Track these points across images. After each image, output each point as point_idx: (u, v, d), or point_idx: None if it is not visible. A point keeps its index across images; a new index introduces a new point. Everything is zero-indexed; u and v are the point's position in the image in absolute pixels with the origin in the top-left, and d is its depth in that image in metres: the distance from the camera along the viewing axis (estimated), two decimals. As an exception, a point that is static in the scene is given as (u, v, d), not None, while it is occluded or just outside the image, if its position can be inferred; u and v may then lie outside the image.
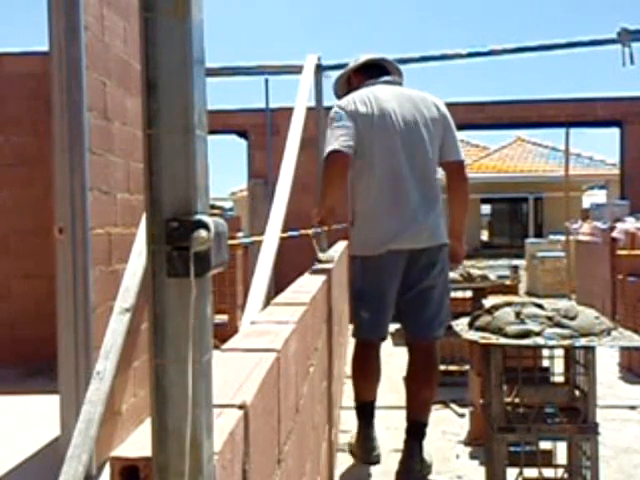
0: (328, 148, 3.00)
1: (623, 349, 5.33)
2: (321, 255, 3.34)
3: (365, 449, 3.36)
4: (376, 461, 3.35)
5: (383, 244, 3.09)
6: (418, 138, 3.10)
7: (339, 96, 3.40)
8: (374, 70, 3.32)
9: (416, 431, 3.18)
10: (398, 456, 3.24)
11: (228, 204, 21.26)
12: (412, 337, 3.27)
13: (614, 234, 6.95)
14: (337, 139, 2.99)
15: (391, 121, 3.08)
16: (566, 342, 2.51)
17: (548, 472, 2.74)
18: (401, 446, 3.25)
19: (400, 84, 3.34)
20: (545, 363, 3.27)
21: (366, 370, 3.31)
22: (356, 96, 3.15)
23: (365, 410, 3.37)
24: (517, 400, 2.67)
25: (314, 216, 3.16)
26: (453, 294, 5.39)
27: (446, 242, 3.18)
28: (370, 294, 3.18)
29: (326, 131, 3.12)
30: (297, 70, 4.66)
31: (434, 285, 3.15)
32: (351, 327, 3.43)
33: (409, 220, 3.07)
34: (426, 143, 3.11)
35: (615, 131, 10.35)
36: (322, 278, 2.80)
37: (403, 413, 3.33)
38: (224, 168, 20.05)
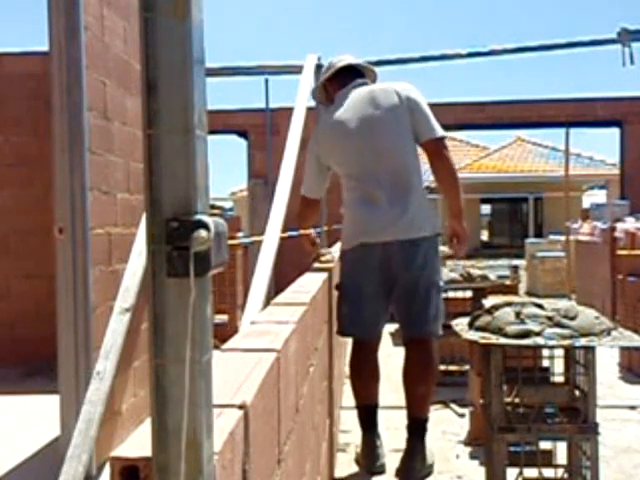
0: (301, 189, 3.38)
1: (623, 349, 5.33)
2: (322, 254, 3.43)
3: (369, 459, 3.27)
4: (380, 471, 3.24)
5: (355, 238, 3.14)
6: (378, 134, 3.11)
7: (320, 102, 3.55)
8: (348, 74, 3.33)
9: (416, 428, 3.17)
10: (398, 456, 3.24)
11: (228, 204, 21.26)
12: (404, 334, 3.28)
13: (614, 234, 6.95)
14: (304, 183, 3.36)
15: (348, 129, 3.15)
16: (566, 342, 2.51)
17: (548, 472, 2.74)
18: (401, 446, 3.25)
19: (366, 84, 3.33)
20: (545, 363, 3.27)
21: (362, 371, 3.27)
22: (320, 125, 3.40)
23: (366, 414, 3.29)
24: (517, 400, 2.67)
25: (304, 242, 3.53)
26: (453, 294, 5.40)
27: (427, 235, 3.10)
28: (347, 287, 3.20)
29: None
30: (297, 70, 4.66)
31: (416, 280, 3.10)
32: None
33: (379, 214, 3.08)
34: (388, 135, 3.11)
35: (615, 131, 10.36)
36: (322, 277, 2.80)
37: (403, 413, 3.33)
38: (224, 168, 20.06)
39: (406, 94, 3.14)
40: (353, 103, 3.20)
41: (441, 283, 3.24)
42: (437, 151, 3.12)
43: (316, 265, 3.25)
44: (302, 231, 3.48)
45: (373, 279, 3.11)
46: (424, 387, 3.17)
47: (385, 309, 3.22)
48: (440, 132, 3.12)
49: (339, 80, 3.34)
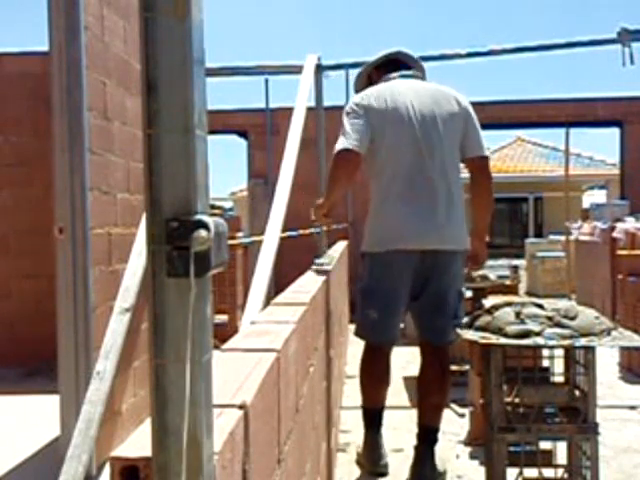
0: (338, 145, 2.92)
1: (623, 349, 5.33)
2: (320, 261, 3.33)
3: (372, 459, 3.22)
4: (384, 472, 3.20)
5: (393, 241, 2.94)
6: (436, 133, 2.95)
7: (366, 84, 3.30)
8: (394, 65, 3.20)
9: (427, 436, 3.10)
10: (398, 456, 3.24)
11: (228, 204, 21.25)
12: (426, 341, 3.14)
13: (614, 234, 6.95)
14: (348, 137, 2.91)
15: (407, 115, 2.94)
16: (566, 342, 2.51)
17: (548, 472, 2.74)
18: (401, 446, 3.25)
19: (421, 78, 3.20)
20: (545, 363, 3.27)
21: (375, 375, 3.17)
22: (372, 91, 3.06)
23: (373, 417, 3.21)
24: (517, 400, 2.67)
25: (318, 208, 3.05)
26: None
27: (463, 249, 3.03)
28: (377, 293, 3.03)
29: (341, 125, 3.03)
30: (297, 70, 4.66)
31: (447, 290, 3.01)
32: (352, 327, 3.38)
33: (424, 218, 2.91)
34: (445, 139, 2.96)
35: (615, 131, 10.36)
36: (322, 278, 2.80)
37: (403, 413, 3.33)
38: (224, 168, 20.06)
39: (465, 105, 3.05)
40: (413, 91, 3.02)
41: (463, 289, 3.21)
42: (483, 168, 3.06)
43: (313, 267, 3.23)
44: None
45: (404, 286, 3.00)
46: (439, 396, 3.10)
47: (404, 313, 3.17)
48: (487, 152, 3.09)
49: (386, 69, 3.19)
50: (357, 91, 3.30)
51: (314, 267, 3.23)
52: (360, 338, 3.19)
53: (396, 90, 3.02)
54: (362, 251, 3.10)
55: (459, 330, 2.74)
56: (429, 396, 3.07)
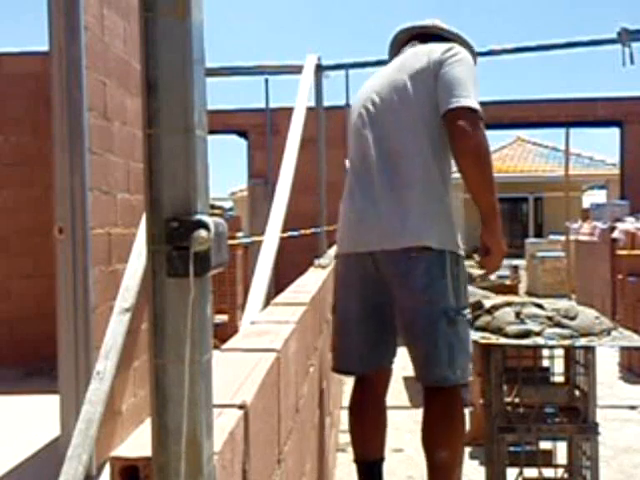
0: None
1: (623, 349, 5.33)
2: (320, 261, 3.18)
3: None
4: None
5: (339, 245, 2.48)
6: (381, 106, 2.37)
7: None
8: (427, 38, 2.53)
9: None
10: (398, 456, 3.23)
11: (228, 204, 21.24)
12: (416, 380, 2.42)
13: (614, 234, 6.95)
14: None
15: (361, 101, 2.47)
16: (566, 342, 2.51)
17: (548, 472, 2.74)
18: (402, 446, 3.22)
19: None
20: (545, 363, 3.27)
21: (362, 417, 2.47)
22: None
23: (367, 473, 2.44)
24: (517, 400, 2.67)
25: (499, 250, 2.37)
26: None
27: (430, 246, 2.21)
28: (336, 309, 2.48)
29: None
30: (297, 70, 4.66)
31: (414, 306, 2.25)
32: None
33: (365, 214, 2.32)
34: (393, 110, 2.34)
35: (615, 131, 10.36)
36: (322, 277, 2.80)
37: (404, 413, 3.33)
38: (224, 168, 20.06)
39: (436, 57, 2.30)
40: (390, 65, 2.51)
41: (465, 312, 2.30)
42: (454, 124, 2.21)
43: (315, 264, 3.21)
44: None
45: (360, 298, 2.36)
46: (444, 452, 2.29)
47: (384, 333, 2.40)
48: (464, 101, 2.20)
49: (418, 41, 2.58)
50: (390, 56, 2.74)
51: (315, 266, 3.23)
52: (333, 372, 2.58)
53: (379, 71, 2.58)
54: None
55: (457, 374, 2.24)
56: (432, 452, 2.31)
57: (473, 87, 2.26)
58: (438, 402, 2.31)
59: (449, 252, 2.25)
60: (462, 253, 2.32)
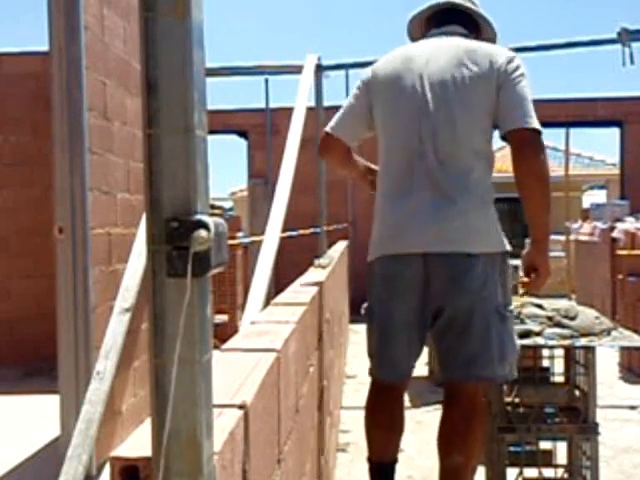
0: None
1: (623, 349, 5.33)
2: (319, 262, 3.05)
3: None
4: None
5: (383, 245, 2.34)
6: (446, 106, 2.28)
7: (412, 39, 2.64)
8: (452, 18, 2.49)
9: None
10: (399, 456, 3.22)
11: (228, 204, 21.24)
12: (447, 381, 2.36)
13: (614, 234, 6.95)
14: (336, 117, 2.46)
15: (412, 88, 2.31)
16: (566, 342, 2.51)
17: (548, 472, 2.74)
18: (401, 446, 3.19)
19: (462, 35, 2.46)
20: (545, 363, 3.27)
21: (381, 422, 2.44)
22: (382, 61, 2.47)
23: (381, 474, 2.44)
24: (517, 400, 2.67)
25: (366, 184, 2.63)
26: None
27: (488, 251, 2.27)
28: (375, 314, 2.37)
29: None
30: (297, 70, 4.66)
31: (471, 307, 2.23)
32: (352, 327, 3.22)
33: (420, 214, 2.24)
34: (459, 109, 2.27)
35: (615, 131, 10.36)
36: (322, 278, 2.79)
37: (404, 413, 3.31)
38: (224, 168, 20.05)
39: (500, 65, 2.27)
40: (432, 54, 2.35)
41: (511, 307, 2.35)
42: (525, 145, 2.25)
43: (315, 264, 3.18)
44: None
45: (407, 302, 2.29)
46: (460, 456, 2.26)
47: (421, 342, 2.37)
48: (533, 122, 2.23)
49: (438, 21, 2.50)
50: (410, 36, 2.66)
51: (315, 266, 3.21)
52: (371, 377, 2.47)
53: (412, 54, 2.39)
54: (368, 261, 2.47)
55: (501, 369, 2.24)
56: (445, 455, 2.28)
57: (531, 105, 2.29)
58: (465, 401, 2.29)
59: (504, 252, 2.33)
60: (509, 249, 2.37)
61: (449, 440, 2.28)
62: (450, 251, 2.22)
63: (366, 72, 2.48)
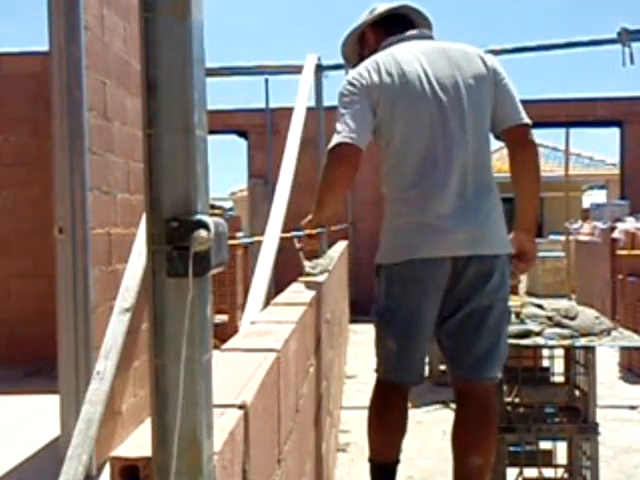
0: (332, 140, 2.28)
1: (623, 349, 5.33)
2: (309, 268, 2.72)
3: None
4: None
5: (414, 249, 2.25)
6: (459, 105, 2.27)
7: (349, 62, 2.65)
8: (395, 24, 2.48)
9: None
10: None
11: (228, 204, 21.24)
12: (460, 380, 2.33)
13: (614, 234, 6.95)
14: (344, 127, 2.25)
15: (420, 88, 2.27)
16: (566, 342, 2.51)
17: (548, 472, 2.74)
18: (403, 446, 3.19)
19: (431, 37, 2.47)
20: (545, 363, 3.27)
21: (388, 422, 2.43)
22: (371, 62, 2.36)
23: (384, 474, 2.43)
24: (517, 400, 2.67)
25: (307, 227, 2.53)
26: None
27: (506, 252, 2.31)
28: (397, 317, 2.31)
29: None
30: (297, 70, 4.67)
31: (489, 305, 2.25)
32: (352, 327, 3.20)
33: (452, 218, 2.23)
34: (472, 110, 2.28)
35: (615, 131, 10.36)
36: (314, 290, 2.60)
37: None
38: (224, 168, 20.03)
39: (492, 64, 2.34)
40: (425, 55, 2.33)
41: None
42: (525, 140, 2.33)
43: (301, 279, 2.63)
44: (305, 230, 2.56)
45: (432, 307, 2.28)
46: (479, 457, 2.25)
47: (428, 341, 2.41)
48: (527, 118, 2.33)
49: (384, 28, 2.48)
50: (346, 58, 2.66)
51: (306, 269, 2.87)
52: (384, 380, 2.42)
53: (402, 57, 2.33)
54: (377, 264, 2.39)
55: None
56: (464, 457, 2.26)
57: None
58: (484, 403, 2.29)
59: (509, 253, 2.36)
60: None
61: (468, 441, 2.27)
62: (481, 254, 2.24)
63: (360, 76, 2.34)
